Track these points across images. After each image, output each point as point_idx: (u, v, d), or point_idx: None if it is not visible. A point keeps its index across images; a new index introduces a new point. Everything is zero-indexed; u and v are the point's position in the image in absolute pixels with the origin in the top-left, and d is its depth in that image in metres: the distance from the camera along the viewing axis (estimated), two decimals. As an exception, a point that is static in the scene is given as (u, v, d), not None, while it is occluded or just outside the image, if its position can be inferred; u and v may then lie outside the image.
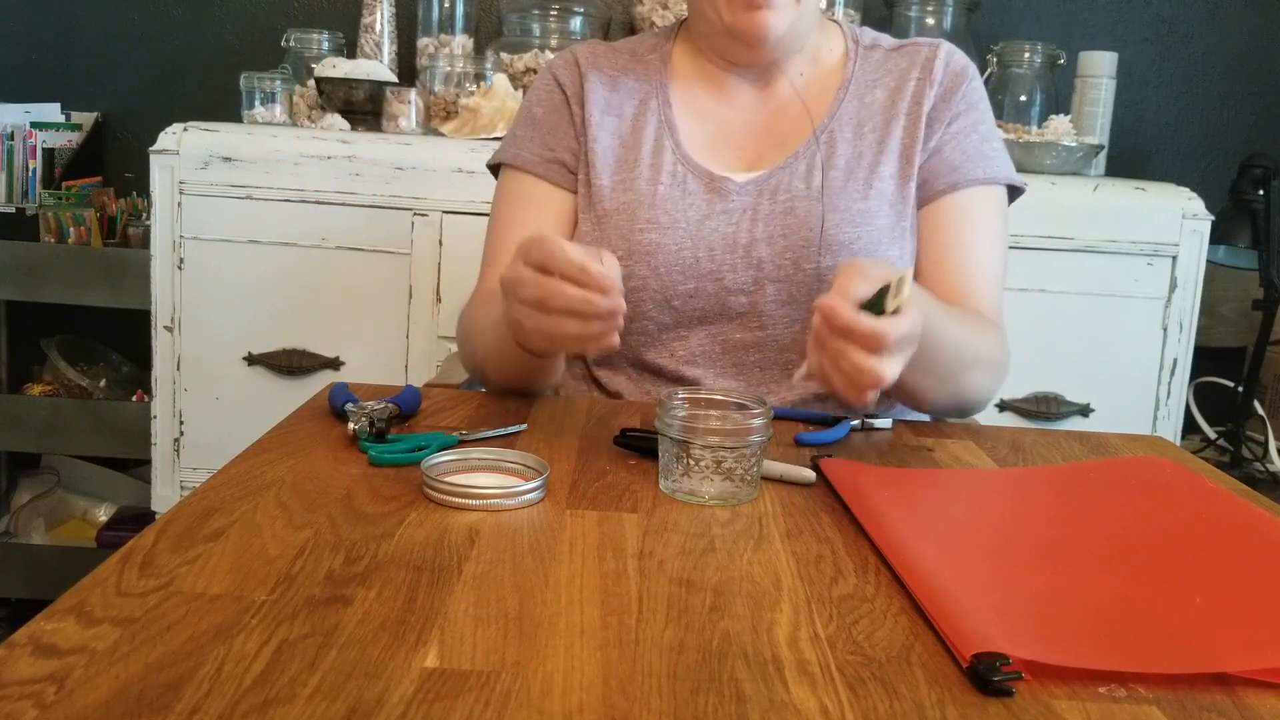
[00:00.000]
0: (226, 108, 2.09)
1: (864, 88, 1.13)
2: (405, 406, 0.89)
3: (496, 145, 1.82)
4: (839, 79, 1.14)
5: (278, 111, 2.00)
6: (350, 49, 2.20)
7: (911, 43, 1.16)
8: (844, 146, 1.10)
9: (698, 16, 1.13)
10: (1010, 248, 1.17)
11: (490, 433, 0.87)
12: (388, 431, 0.83)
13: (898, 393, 1.03)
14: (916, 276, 1.06)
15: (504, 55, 2.08)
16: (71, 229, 2.06)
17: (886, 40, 1.18)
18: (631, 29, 2.18)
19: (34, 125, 2.18)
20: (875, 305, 0.76)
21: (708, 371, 1.08)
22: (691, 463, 0.74)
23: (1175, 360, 1.83)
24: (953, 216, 1.10)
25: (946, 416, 1.08)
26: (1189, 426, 2.16)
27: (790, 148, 1.12)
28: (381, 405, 0.85)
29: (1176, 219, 1.82)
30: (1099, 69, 2.09)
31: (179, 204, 1.82)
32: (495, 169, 1.22)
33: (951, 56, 1.13)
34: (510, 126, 1.22)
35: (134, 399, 2.13)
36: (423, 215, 1.82)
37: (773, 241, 1.07)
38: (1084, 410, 1.84)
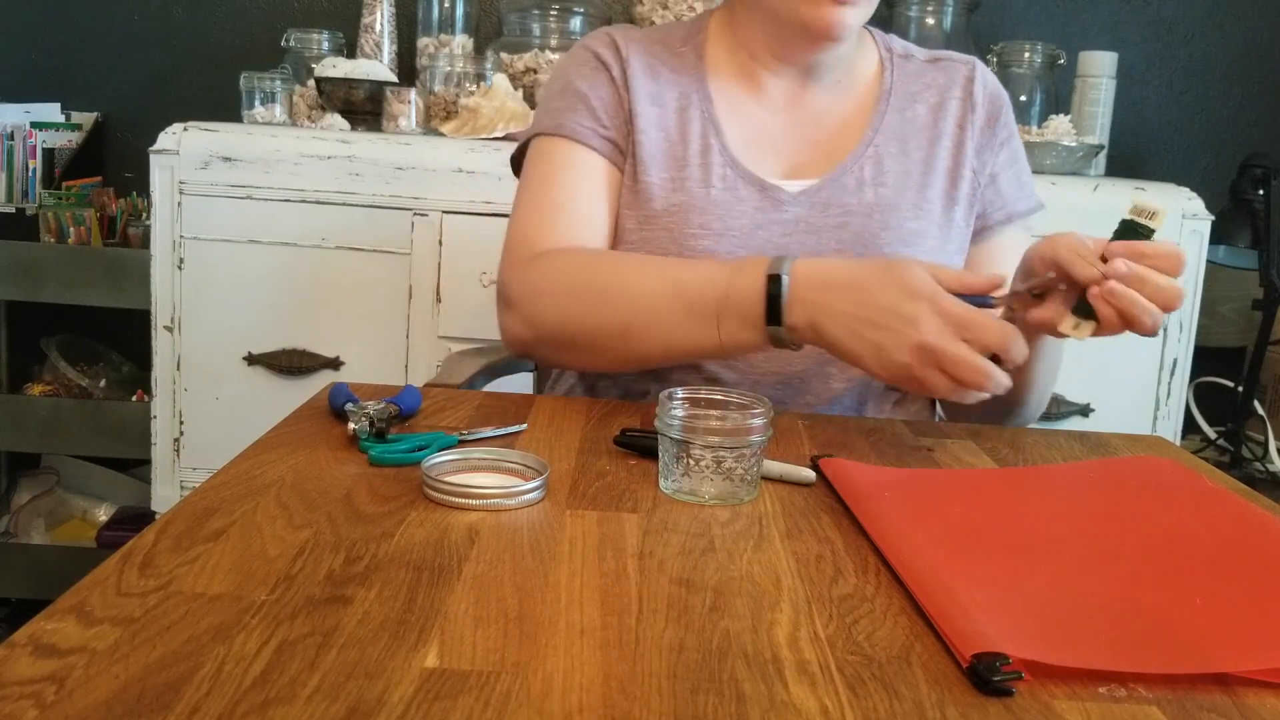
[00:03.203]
0: (226, 108, 2.09)
1: (904, 101, 1.11)
2: (405, 406, 0.89)
3: (496, 145, 1.84)
4: (877, 90, 1.12)
5: (278, 111, 2.00)
6: (350, 49, 2.20)
7: (946, 57, 1.15)
8: (891, 163, 1.08)
9: (754, 6, 1.07)
10: (1011, 248, 1.17)
11: (490, 433, 0.87)
12: (388, 431, 0.83)
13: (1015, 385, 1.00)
14: None
15: (504, 55, 2.08)
16: (71, 229, 2.06)
17: (918, 50, 1.16)
18: (631, 29, 2.18)
19: (34, 125, 2.18)
20: (1136, 236, 0.84)
21: (744, 379, 1.04)
22: (691, 463, 0.74)
23: (1175, 360, 1.83)
24: (1008, 253, 1.12)
25: (1003, 424, 1.08)
26: (1189, 426, 2.16)
27: (835, 159, 1.08)
28: (381, 405, 0.85)
29: (1176, 219, 1.82)
30: (1099, 69, 2.09)
31: (179, 204, 1.82)
32: (519, 153, 1.16)
33: (987, 78, 1.14)
34: (546, 100, 1.13)
35: (134, 399, 2.13)
36: (423, 215, 1.82)
37: (825, 256, 1.03)
38: (1084, 410, 1.84)
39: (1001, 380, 0.82)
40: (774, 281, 0.89)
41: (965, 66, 1.14)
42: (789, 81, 1.11)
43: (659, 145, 1.07)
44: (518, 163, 1.18)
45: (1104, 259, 0.84)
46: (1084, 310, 0.85)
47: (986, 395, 0.84)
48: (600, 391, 1.13)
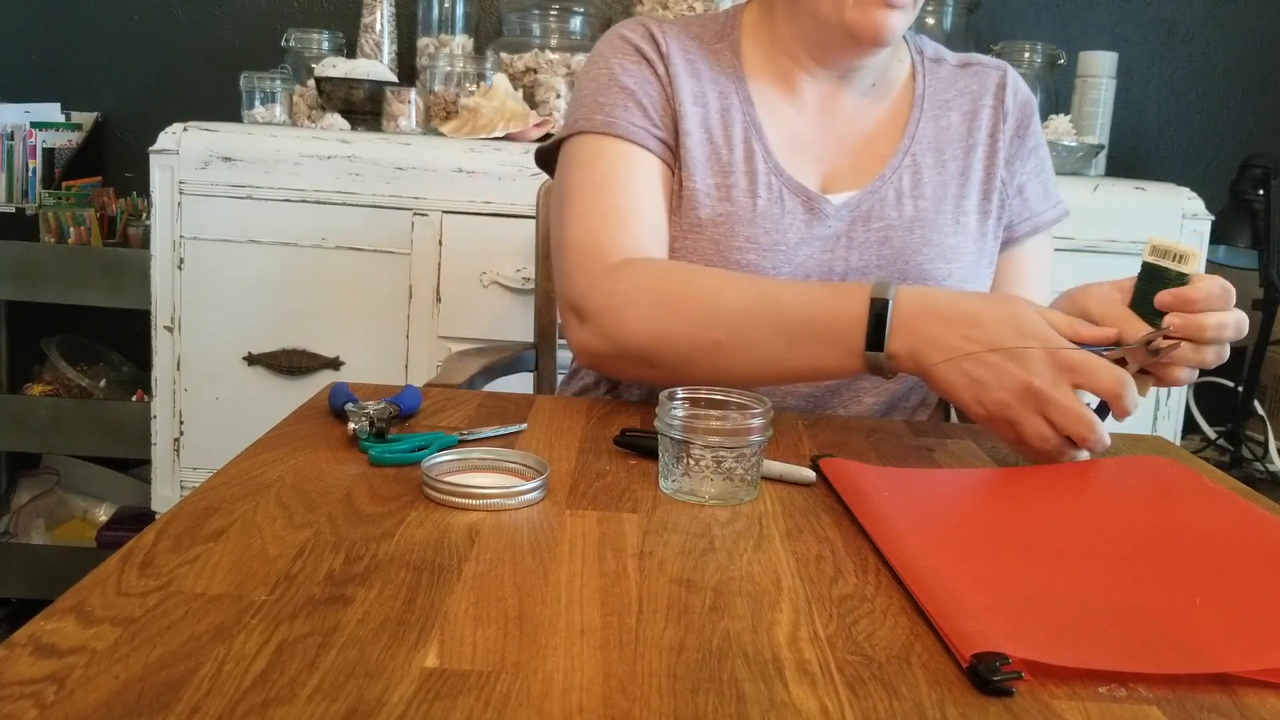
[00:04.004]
0: (226, 108, 2.09)
1: (938, 108, 1.09)
2: (405, 406, 0.89)
3: (496, 145, 1.84)
4: (910, 95, 1.09)
5: (278, 111, 2.00)
6: (350, 49, 2.20)
7: (977, 62, 1.13)
8: (929, 174, 1.06)
9: (796, 7, 1.03)
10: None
11: (490, 432, 0.87)
12: (388, 431, 0.83)
13: None
14: None
15: (504, 55, 2.08)
16: (71, 229, 2.06)
17: (948, 54, 1.14)
18: (631, 29, 2.18)
19: (34, 125, 2.18)
20: (1162, 282, 0.81)
21: (775, 389, 1.03)
22: (691, 463, 0.74)
23: (1175, 360, 1.83)
24: (1032, 262, 1.12)
25: None
26: (1189, 426, 2.16)
27: (871, 167, 1.06)
28: (381, 405, 0.85)
29: (1176, 219, 1.82)
30: (1099, 69, 2.10)
31: (179, 204, 1.82)
32: (549, 151, 1.12)
33: (1018, 85, 1.12)
34: (589, 94, 1.06)
35: (134, 399, 2.13)
36: (423, 215, 1.82)
37: (867, 273, 1.02)
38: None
39: (1103, 438, 0.79)
40: (879, 306, 0.85)
41: (997, 73, 1.12)
42: (824, 84, 1.07)
43: (703, 148, 1.03)
44: (545, 156, 1.15)
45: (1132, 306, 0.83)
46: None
47: (1083, 457, 0.81)
48: (622, 392, 1.12)
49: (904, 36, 1.12)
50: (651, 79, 1.04)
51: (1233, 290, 0.81)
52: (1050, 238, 1.16)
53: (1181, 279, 0.80)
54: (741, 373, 0.91)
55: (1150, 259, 0.83)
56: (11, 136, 2.15)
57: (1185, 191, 1.85)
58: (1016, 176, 1.10)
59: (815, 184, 1.05)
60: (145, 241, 1.97)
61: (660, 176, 1.04)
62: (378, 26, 2.16)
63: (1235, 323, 0.81)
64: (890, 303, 0.85)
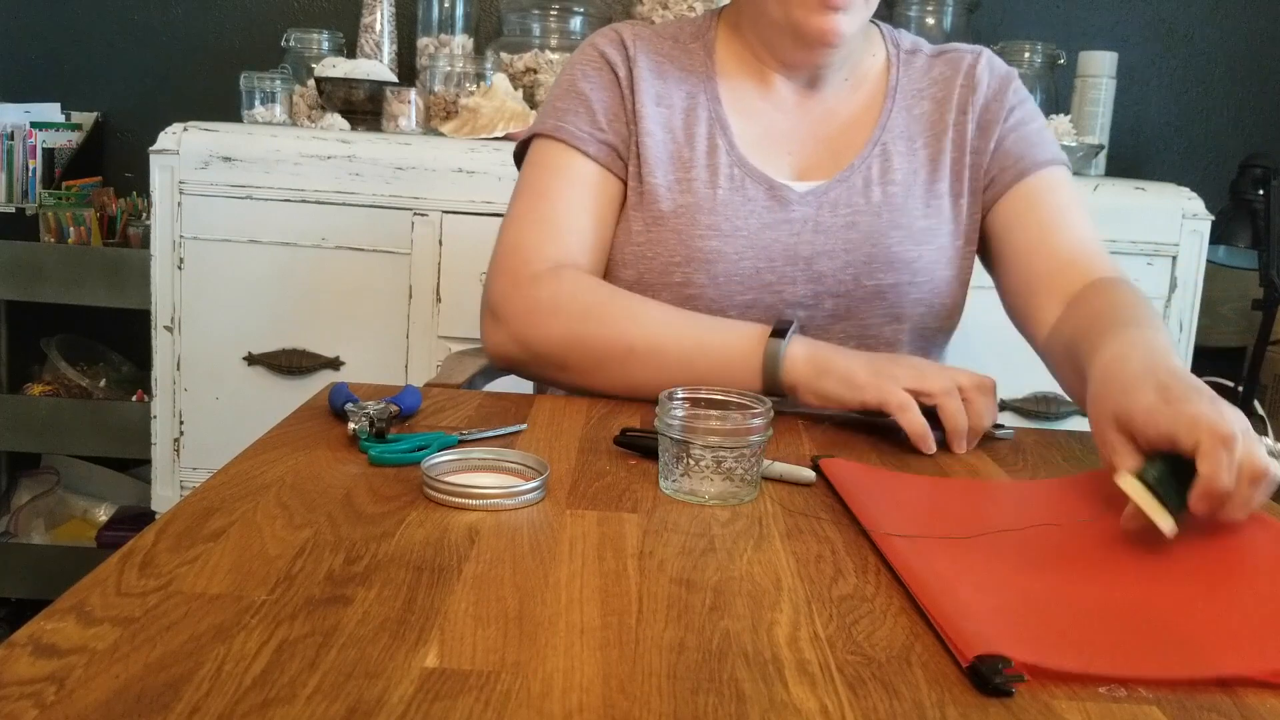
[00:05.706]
0: (226, 108, 2.09)
1: (911, 98, 1.11)
2: (405, 406, 0.89)
3: (496, 145, 1.84)
4: (883, 87, 1.12)
5: (278, 111, 2.00)
6: (350, 49, 2.20)
7: (953, 49, 1.14)
8: (899, 161, 1.08)
9: (754, 12, 1.08)
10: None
11: (490, 433, 0.87)
12: (388, 431, 0.83)
13: None
14: (1011, 271, 1.09)
15: (504, 55, 2.08)
16: (71, 229, 2.06)
17: (926, 45, 1.15)
18: (631, 29, 2.18)
19: (34, 125, 2.18)
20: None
21: None
22: (691, 463, 0.74)
23: (1175, 360, 1.83)
24: (1037, 198, 1.08)
25: None
26: (1189, 426, 2.15)
27: (844, 158, 1.09)
28: (381, 405, 0.85)
29: (1176, 219, 1.82)
30: (1099, 69, 2.10)
31: (179, 204, 1.82)
32: (522, 148, 1.16)
33: (993, 62, 1.13)
34: (550, 99, 1.13)
35: (134, 399, 2.13)
36: (423, 215, 1.82)
37: (834, 256, 1.05)
38: (1084, 411, 1.84)
39: (931, 446, 0.88)
40: (774, 346, 0.94)
41: (970, 55, 1.13)
42: (795, 83, 1.11)
43: (664, 147, 1.07)
44: (521, 157, 1.18)
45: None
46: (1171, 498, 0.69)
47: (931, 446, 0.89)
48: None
49: (881, 31, 1.15)
50: (610, 84, 1.09)
51: (1237, 437, 0.67)
52: (1066, 180, 1.10)
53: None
54: (650, 384, 0.95)
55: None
56: (11, 136, 2.15)
57: (1185, 191, 1.85)
58: (991, 139, 1.10)
59: (788, 175, 1.08)
60: (145, 241, 1.97)
61: (596, 182, 1.08)
62: (378, 26, 2.16)
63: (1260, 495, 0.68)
64: (784, 344, 0.94)
